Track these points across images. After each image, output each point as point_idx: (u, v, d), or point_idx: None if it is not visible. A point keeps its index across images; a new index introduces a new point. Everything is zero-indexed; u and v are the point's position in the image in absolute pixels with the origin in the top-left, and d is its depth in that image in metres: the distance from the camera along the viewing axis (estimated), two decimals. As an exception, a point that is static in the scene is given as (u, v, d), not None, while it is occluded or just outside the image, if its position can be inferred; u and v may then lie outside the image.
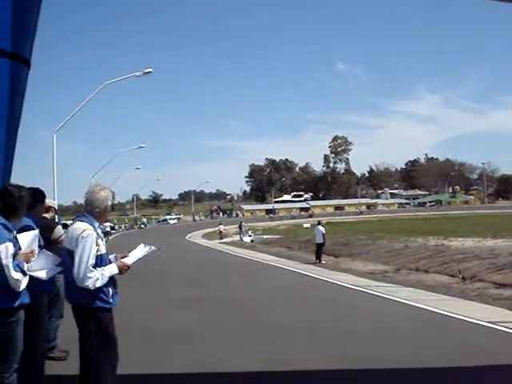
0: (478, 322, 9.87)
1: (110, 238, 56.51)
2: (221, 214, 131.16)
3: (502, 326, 9.41)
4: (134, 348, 8.14)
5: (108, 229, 58.17)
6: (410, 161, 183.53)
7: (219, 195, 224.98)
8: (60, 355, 7.42)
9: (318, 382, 6.62)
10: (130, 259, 5.10)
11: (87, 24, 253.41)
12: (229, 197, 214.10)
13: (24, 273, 4.79)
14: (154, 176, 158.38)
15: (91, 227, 4.80)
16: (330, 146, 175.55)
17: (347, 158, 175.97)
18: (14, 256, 4.76)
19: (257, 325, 10.08)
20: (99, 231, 4.97)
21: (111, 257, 5.14)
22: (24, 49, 4.94)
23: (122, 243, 44.69)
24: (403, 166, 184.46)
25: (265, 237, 49.05)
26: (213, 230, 56.18)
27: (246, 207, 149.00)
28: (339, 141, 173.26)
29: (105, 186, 5.19)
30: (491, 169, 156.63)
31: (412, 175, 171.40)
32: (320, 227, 25.68)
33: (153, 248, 5.28)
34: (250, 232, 51.95)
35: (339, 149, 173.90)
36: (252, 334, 9.25)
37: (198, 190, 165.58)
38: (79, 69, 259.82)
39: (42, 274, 5.09)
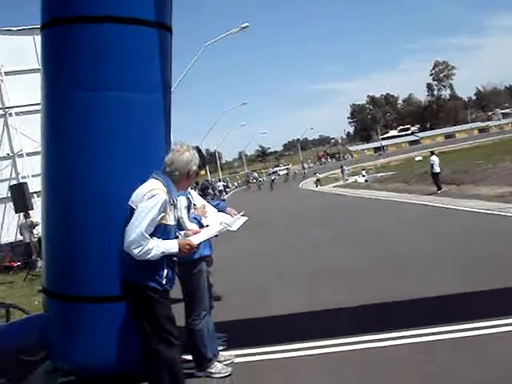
0: None
1: (226, 196, 57.90)
2: (329, 158, 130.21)
3: None
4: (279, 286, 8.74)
5: (221, 188, 59.57)
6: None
7: (323, 140, 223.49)
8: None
9: (460, 305, 6.65)
10: (198, 238, 4.42)
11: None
12: (333, 141, 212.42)
13: (201, 225, 5.23)
14: (257, 130, 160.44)
15: (165, 189, 4.16)
16: (431, 74, 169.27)
17: (451, 84, 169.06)
18: (189, 209, 5.25)
19: (401, 259, 10.29)
20: (176, 198, 4.35)
21: (180, 233, 4.59)
22: (165, 16, 5.26)
23: (243, 200, 45.88)
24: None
25: (378, 175, 48.58)
26: (323, 175, 56.22)
27: (353, 148, 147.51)
28: (440, 67, 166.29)
29: (192, 147, 4.60)
30: None
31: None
32: (434, 157, 25.39)
33: (227, 227, 4.75)
34: (363, 172, 51.65)
35: (441, 75, 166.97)
36: (396, 266, 9.53)
37: (301, 139, 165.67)
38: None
39: (234, 227, 5.02)
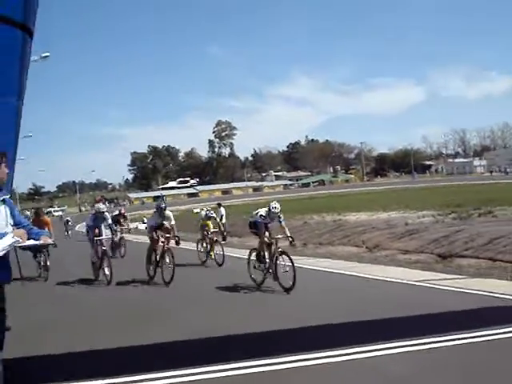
0: (407, 282, 10.72)
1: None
2: (106, 203, 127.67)
3: (429, 284, 10.34)
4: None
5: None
6: (291, 143, 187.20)
7: (100, 185, 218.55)
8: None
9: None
10: None
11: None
12: (110, 186, 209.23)
13: None
14: (36, 167, 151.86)
15: None
16: (214, 132, 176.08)
17: (231, 143, 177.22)
18: None
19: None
20: None
21: None
22: (30, 18, 4.69)
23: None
24: (285, 149, 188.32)
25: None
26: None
27: (132, 195, 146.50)
28: (223, 126, 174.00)
29: None
30: (367, 148, 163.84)
31: (294, 157, 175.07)
32: (222, 209, 26.36)
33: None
34: (145, 219, 51.58)
35: (223, 134, 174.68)
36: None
37: (77, 181, 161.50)
38: None
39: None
